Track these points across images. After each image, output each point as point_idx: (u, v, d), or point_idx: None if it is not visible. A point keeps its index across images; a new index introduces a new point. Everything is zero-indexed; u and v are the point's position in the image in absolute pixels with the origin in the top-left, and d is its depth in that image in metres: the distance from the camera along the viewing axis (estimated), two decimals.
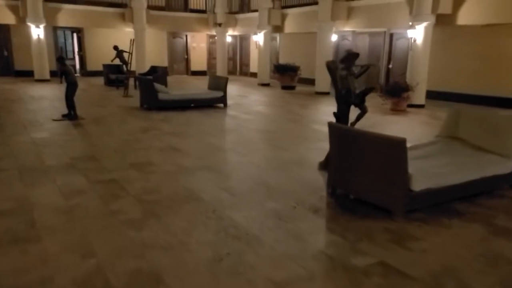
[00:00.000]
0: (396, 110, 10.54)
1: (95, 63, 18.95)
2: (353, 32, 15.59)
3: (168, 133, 7.76)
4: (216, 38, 21.65)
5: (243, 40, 23.31)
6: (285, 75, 16.22)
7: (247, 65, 23.16)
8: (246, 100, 13.17)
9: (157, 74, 15.88)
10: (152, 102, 10.58)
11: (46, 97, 12.48)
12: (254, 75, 21.47)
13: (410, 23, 10.87)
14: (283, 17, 17.18)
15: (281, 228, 3.70)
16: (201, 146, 6.86)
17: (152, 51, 19.57)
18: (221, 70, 21.22)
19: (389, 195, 3.83)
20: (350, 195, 4.37)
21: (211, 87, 11.96)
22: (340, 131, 4.32)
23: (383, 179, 3.85)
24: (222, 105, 11.56)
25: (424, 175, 3.84)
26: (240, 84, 18.46)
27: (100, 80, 16.64)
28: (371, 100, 13.23)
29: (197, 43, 22.74)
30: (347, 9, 14.02)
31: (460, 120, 4.97)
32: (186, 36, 22.29)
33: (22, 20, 16.33)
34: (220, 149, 6.62)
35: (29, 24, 16.09)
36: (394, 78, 14.55)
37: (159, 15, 19.40)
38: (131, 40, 13.69)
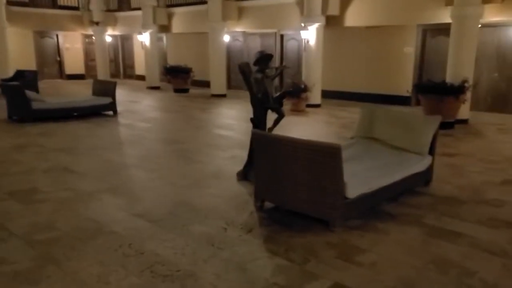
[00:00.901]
0: (296, 110, 10.71)
1: None
2: (244, 32, 15.58)
3: (53, 150, 6.56)
4: (93, 38, 19.76)
5: (125, 40, 21.72)
6: (177, 77, 15.47)
7: (132, 67, 21.68)
8: (138, 106, 12.15)
9: (25, 79, 13.79)
10: (24, 113, 9.00)
11: None
12: (140, 77, 20.20)
13: (303, 24, 11.15)
14: (170, 16, 16.39)
15: (217, 258, 3.20)
16: (99, 164, 5.91)
17: (16, 53, 16.97)
18: (102, 73, 19.48)
19: (324, 205, 3.61)
20: (281, 208, 4.07)
21: (96, 92, 10.71)
22: (266, 139, 3.98)
23: (317, 188, 3.62)
24: (111, 112, 10.44)
25: (357, 180, 3.71)
26: (127, 88, 17.11)
27: None
28: None
29: (71, 43, 20.49)
30: (237, 9, 13.89)
31: (373, 120, 5.05)
32: (57, 35, 19.89)
33: None
34: (123, 166, 5.77)
35: None
36: (286, 79, 14.95)
37: (22, 11, 16.97)
38: None
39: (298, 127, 8.61)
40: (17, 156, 6.12)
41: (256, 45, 15.67)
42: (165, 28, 16.70)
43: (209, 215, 4.00)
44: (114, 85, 10.50)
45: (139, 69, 20.98)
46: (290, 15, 12.37)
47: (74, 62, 20.62)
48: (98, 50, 19.35)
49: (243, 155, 6.34)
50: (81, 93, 14.47)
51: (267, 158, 3.96)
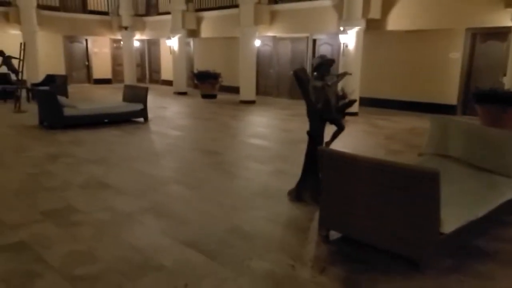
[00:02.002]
0: None
1: None
2: (274, 37, 15.10)
3: (85, 161, 6.17)
4: (121, 42, 19.63)
5: (151, 45, 21.58)
6: (206, 83, 15.09)
7: (158, 72, 21.50)
8: (167, 112, 11.78)
9: (55, 84, 13.65)
10: (56, 119, 8.70)
11: None
12: (166, 82, 19.99)
13: (341, 28, 10.57)
14: (199, 21, 16.04)
15: None
16: (135, 177, 5.47)
17: (46, 57, 16.93)
18: (129, 77, 19.30)
19: (412, 241, 3.03)
20: (352, 239, 3.50)
21: (127, 98, 10.37)
22: (339, 159, 3.42)
23: (403, 220, 3.04)
24: (142, 119, 10.08)
25: (452, 210, 3.11)
26: (154, 93, 16.79)
27: None
28: (292, 109, 12.94)
29: (100, 48, 20.41)
30: (270, 13, 13.42)
31: (447, 135, 4.44)
32: (86, 40, 19.85)
33: None
34: (160, 181, 5.31)
35: None
36: None
37: (53, 16, 16.88)
38: (21, 44, 11.37)
39: (337, 139, 8.02)
40: (50, 167, 5.74)
41: (286, 50, 15.17)
42: (193, 33, 16.36)
43: (268, 247, 3.46)
44: (145, 91, 10.13)
45: (165, 74, 20.78)
46: (325, 19, 11.82)
47: (101, 66, 20.55)
48: (125, 54, 19.18)
49: (287, 169, 5.85)
50: (109, 98, 14.27)
51: (338, 180, 3.41)
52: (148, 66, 22.09)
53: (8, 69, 12.13)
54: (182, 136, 8.52)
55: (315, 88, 4.32)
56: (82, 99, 13.38)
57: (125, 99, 10.44)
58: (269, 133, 8.87)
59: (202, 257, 3.26)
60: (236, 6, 13.94)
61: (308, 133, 4.52)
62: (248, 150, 7.31)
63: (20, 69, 11.13)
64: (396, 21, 10.49)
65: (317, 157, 4.42)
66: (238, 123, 10.38)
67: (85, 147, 7.08)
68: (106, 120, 9.47)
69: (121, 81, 20.59)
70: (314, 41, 14.13)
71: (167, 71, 20.64)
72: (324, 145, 4.46)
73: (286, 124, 9.99)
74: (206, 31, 16.01)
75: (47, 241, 3.47)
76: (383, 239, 3.20)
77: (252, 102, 13.90)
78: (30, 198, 4.52)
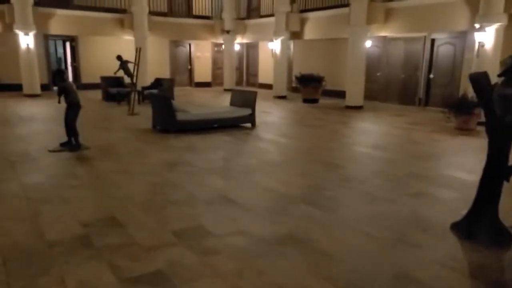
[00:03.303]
0: (464, 129, 8.81)
1: (90, 75, 17.01)
2: (385, 38, 13.92)
3: (204, 170, 5.86)
4: (223, 46, 19.85)
5: (250, 48, 21.58)
6: (308, 86, 14.45)
7: (255, 75, 21.41)
8: (272, 118, 11.34)
9: (163, 87, 14.06)
10: (169, 124, 8.68)
11: (38, 117, 10.50)
12: (263, 86, 19.75)
13: (477, 25, 9.17)
14: (303, 22, 15.46)
15: None
16: (258, 192, 4.98)
17: (154, 61, 17.67)
18: (228, 81, 19.41)
19: None
20: None
21: (235, 103, 10.12)
22: None
23: None
24: (249, 124, 9.74)
25: None
26: None
27: (97, 94, 14.65)
28: (426, 116, 11.62)
29: (202, 52, 20.91)
30: (384, 11, 12.33)
31: None
32: (190, 44, 20.44)
33: (8, 27, 14.33)
34: (286, 198, 4.74)
35: (16, 31, 14.10)
36: (435, 90, 12.92)
37: (161, 21, 17.55)
38: (136, 49, 11.79)
39: (477, 155, 6.79)
40: (170, 177, 5.50)
41: (398, 52, 13.91)
42: (296, 35, 15.82)
43: None
44: (254, 96, 9.78)
45: (263, 77, 20.60)
46: (450, 15, 10.46)
47: (202, 70, 21.03)
48: (226, 58, 19.33)
49: (433, 192, 4.93)
50: (211, 102, 14.31)
51: None
52: (246, 69, 22.15)
53: (125, 73, 12.70)
54: (294, 144, 7.95)
55: (504, 98, 3.39)
56: (186, 102, 13.57)
57: (233, 103, 10.20)
58: (392, 144, 7.91)
59: None
60: (346, 5, 13.09)
61: (491, 157, 3.57)
62: (374, 164, 6.47)
63: (135, 73, 11.52)
64: None
65: (498, 185, 3.49)
66: (351, 131, 9.54)
67: (200, 154, 6.83)
68: (215, 125, 9.29)
69: (220, 84, 20.89)
70: (433, 41, 12.69)
71: (264, 74, 20.45)
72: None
73: (409, 134, 8.90)
74: (309, 32, 15.37)
75: (186, 273, 3.04)
76: None
77: (359, 108, 12.94)
78: (158, 213, 4.23)
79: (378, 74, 14.67)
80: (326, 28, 14.45)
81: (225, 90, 19.30)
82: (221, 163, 6.36)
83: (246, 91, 10.69)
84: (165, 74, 18.68)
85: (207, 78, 21.27)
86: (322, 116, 11.65)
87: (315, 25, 15.07)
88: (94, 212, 4.19)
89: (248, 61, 21.98)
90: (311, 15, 15.11)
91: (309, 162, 6.59)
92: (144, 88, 13.94)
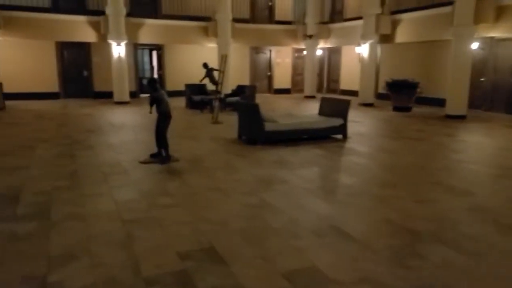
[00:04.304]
0: None
1: (175, 83, 17.34)
2: (491, 39, 12.29)
3: (302, 190, 5.22)
4: (304, 52, 19.21)
5: (332, 53, 20.68)
6: (401, 93, 13.24)
7: (337, 81, 20.47)
8: (363, 128, 10.42)
9: (245, 94, 13.76)
10: (257, 134, 8.20)
11: (128, 124, 10.67)
12: (345, 92, 18.80)
13: None
14: (394, 24, 14.27)
15: None
16: (375, 223, 4.21)
17: (235, 68, 17.55)
18: (309, 87, 18.73)
19: None
20: None
21: (325, 112, 9.40)
22: None
23: None
24: (340, 136, 8.98)
25: None
26: None
27: (181, 102, 14.77)
28: None
29: (282, 58, 20.45)
30: (495, 9, 10.83)
31: None
32: (270, 50, 20.09)
33: (103, 38, 15.05)
34: (414, 234, 3.91)
35: (110, 41, 14.74)
36: None
37: (244, 28, 17.37)
38: (222, 56, 11.58)
39: None
40: (266, 197, 4.95)
41: (508, 54, 12.20)
42: (385, 38, 14.66)
43: None
44: (347, 105, 9.00)
45: (345, 83, 19.62)
46: None
47: (282, 76, 20.58)
48: (308, 64, 18.64)
49: None
50: (293, 109, 13.68)
51: None
52: (327, 75, 21.27)
53: (210, 80, 12.58)
54: (398, 160, 7.01)
55: None
56: (268, 110, 13.11)
57: (322, 112, 9.50)
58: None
59: None
60: (447, 3, 11.76)
61: None
62: (507, 190, 5.35)
63: (220, 81, 11.31)
64: None
65: None
66: (461, 145, 8.33)
67: (294, 171, 6.22)
68: (305, 136, 8.66)
69: (300, 91, 20.25)
70: None
71: (347, 80, 19.47)
72: None
73: None
74: (402, 35, 14.13)
75: None
76: None
77: (462, 117, 11.52)
78: (261, 245, 3.66)
79: (482, 79, 13.03)
80: (422, 29, 13.14)
81: (306, 97, 18.65)
82: (319, 182, 5.68)
83: (337, 99, 9.90)
84: (245, 81, 18.49)
85: (287, 84, 20.76)
86: (420, 127, 10.48)
87: (409, 27, 13.81)
88: (191, 240, 3.74)
89: (329, 67, 21.09)
90: (405, 16, 13.88)
91: (423, 184, 5.66)
92: (226, 95, 13.75)
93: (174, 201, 4.81)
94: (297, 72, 20.83)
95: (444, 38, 11.97)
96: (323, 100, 9.73)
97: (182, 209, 4.55)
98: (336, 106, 9.23)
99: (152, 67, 17.10)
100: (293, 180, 5.69)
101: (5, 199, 4.83)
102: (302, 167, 6.47)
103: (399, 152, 7.73)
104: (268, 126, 8.22)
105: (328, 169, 6.48)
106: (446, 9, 11.77)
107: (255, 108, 8.15)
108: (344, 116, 8.91)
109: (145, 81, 17.30)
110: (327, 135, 8.91)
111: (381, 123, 11.42)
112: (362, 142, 8.68)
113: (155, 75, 18.75)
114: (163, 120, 6.58)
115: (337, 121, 8.88)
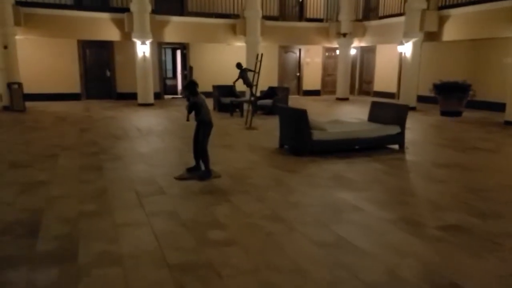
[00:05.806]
0: None
1: (201, 84, 16.30)
2: None
3: (383, 222, 4.20)
4: (336, 51, 18.12)
5: (365, 53, 19.52)
6: (451, 96, 12.06)
7: (370, 82, 19.33)
8: (415, 135, 9.34)
9: (278, 97, 12.78)
10: (303, 144, 7.20)
11: (155, 130, 9.80)
12: (380, 94, 17.67)
13: None
14: (442, 20, 13.06)
15: None
16: (499, 281, 3.18)
17: (263, 69, 16.50)
18: (342, 89, 17.67)
19: None
20: None
21: (376, 118, 8.37)
22: None
23: None
24: (396, 146, 7.92)
25: None
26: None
27: (208, 104, 13.79)
28: None
29: (312, 57, 19.38)
30: None
31: None
32: (300, 50, 19.04)
33: (127, 36, 14.26)
34: None
35: (134, 40, 13.93)
36: None
37: (272, 26, 16.37)
38: (257, 55, 10.62)
39: None
40: (342, 232, 3.95)
41: None
42: (431, 36, 13.45)
43: None
44: (405, 110, 7.94)
45: (379, 84, 18.49)
46: None
47: (312, 77, 19.51)
48: (341, 64, 17.55)
49: None
50: (324, 112, 12.61)
51: None
52: (359, 76, 20.12)
53: (244, 82, 11.63)
54: (484, 182, 5.88)
55: None
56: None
57: (373, 118, 8.45)
58: None
59: None
60: None
61: None
62: None
63: (255, 83, 10.35)
64: None
65: None
66: None
67: (359, 192, 5.20)
68: (356, 147, 7.64)
69: (330, 92, 19.18)
70: None
71: (382, 81, 18.33)
72: None
73: None
74: (451, 32, 12.90)
75: None
76: None
77: None
78: None
79: None
80: (476, 26, 11.89)
81: (338, 99, 17.57)
82: (398, 210, 4.64)
83: (391, 104, 8.86)
84: (273, 82, 17.48)
85: (316, 86, 19.68)
86: (481, 135, 9.33)
87: (460, 23, 12.56)
88: None
89: (362, 67, 19.94)
90: (454, 11, 12.64)
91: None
92: (258, 98, 12.79)
93: (228, 236, 3.85)
94: (327, 73, 19.74)
95: (503, 36, 10.74)
96: (374, 105, 8.67)
97: (240, 249, 3.59)
98: (391, 111, 8.17)
99: (190, 68, 16.10)
100: (365, 207, 4.68)
101: (24, 228, 3.96)
102: (367, 187, 5.44)
103: (477, 168, 6.59)
104: (316, 135, 7.22)
105: (400, 192, 5.43)
106: (506, 3, 10.55)
107: (302, 114, 7.15)
108: (401, 123, 7.84)
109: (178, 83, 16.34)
110: (382, 144, 7.87)
111: (432, 130, 10.28)
112: (422, 154, 7.61)
113: (179, 75, 17.91)
114: (204, 129, 5.65)
115: (393, 129, 7.83)
